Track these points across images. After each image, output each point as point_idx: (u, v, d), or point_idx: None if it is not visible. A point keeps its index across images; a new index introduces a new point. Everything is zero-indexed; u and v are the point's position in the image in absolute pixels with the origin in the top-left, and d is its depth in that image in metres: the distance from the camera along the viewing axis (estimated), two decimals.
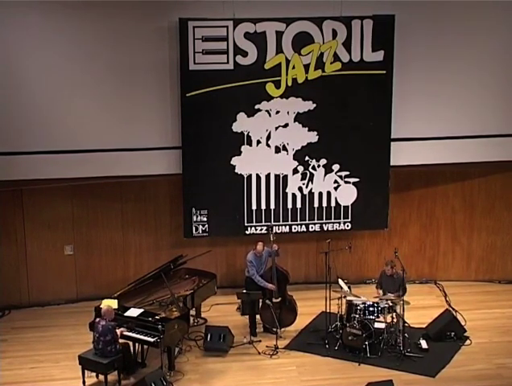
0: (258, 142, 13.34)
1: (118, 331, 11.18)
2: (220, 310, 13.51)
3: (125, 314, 11.58)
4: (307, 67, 13.05)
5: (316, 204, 13.69)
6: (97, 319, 11.19)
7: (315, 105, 13.22)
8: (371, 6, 12.87)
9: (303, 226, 13.73)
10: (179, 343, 11.93)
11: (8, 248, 13.60)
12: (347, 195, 13.69)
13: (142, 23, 12.62)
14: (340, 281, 12.54)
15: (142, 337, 11.35)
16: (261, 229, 13.60)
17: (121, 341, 11.26)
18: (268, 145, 13.37)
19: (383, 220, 13.91)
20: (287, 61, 12.99)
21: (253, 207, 13.56)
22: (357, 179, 13.63)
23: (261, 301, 12.61)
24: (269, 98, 13.13)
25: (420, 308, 13.17)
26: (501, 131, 13.71)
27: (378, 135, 13.45)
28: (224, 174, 13.34)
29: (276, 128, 13.31)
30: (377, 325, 12.07)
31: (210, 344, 12.20)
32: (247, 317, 12.77)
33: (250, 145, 13.33)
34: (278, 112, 13.23)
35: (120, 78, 12.83)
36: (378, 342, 12.00)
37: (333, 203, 13.70)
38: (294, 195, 13.61)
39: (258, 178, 13.47)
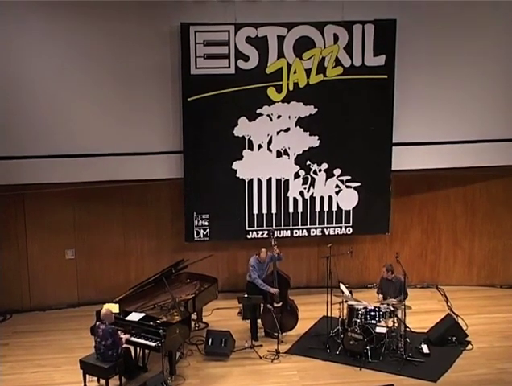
0: (260, 147, 13.35)
1: (124, 338, 11.17)
2: (222, 314, 13.51)
3: (127, 319, 11.56)
4: (308, 71, 13.07)
5: (318, 209, 13.70)
6: (97, 323, 11.19)
7: (316, 110, 13.24)
8: (372, 11, 12.89)
9: (305, 230, 13.75)
10: (180, 348, 11.93)
11: (9, 252, 13.61)
12: (348, 199, 13.70)
13: (144, 28, 12.64)
14: (342, 286, 12.55)
15: (143, 341, 11.33)
16: (262, 233, 13.62)
17: (123, 346, 11.24)
18: (269, 150, 13.39)
19: (384, 225, 13.92)
20: (289, 66, 13.00)
21: (255, 211, 13.57)
22: (358, 184, 13.64)
23: (262, 305, 12.61)
24: (270, 102, 13.15)
25: (422, 313, 13.13)
26: (503, 136, 13.71)
27: (380, 139, 13.46)
28: (225, 178, 13.35)
29: (277, 132, 13.32)
30: (378, 329, 12.04)
31: (211, 348, 12.18)
32: (248, 321, 12.79)
33: (252, 149, 13.35)
34: (279, 116, 13.24)
35: (121, 82, 12.85)
36: (380, 346, 11.98)
37: (334, 208, 13.71)
38: (295, 200, 13.62)
39: (260, 182, 13.48)
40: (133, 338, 11.38)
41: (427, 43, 13.13)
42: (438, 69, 13.25)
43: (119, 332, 11.18)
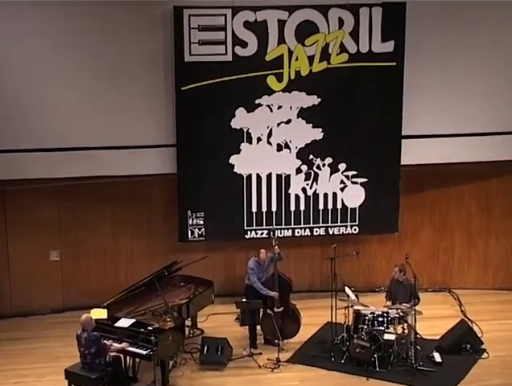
0: (259, 140, 13.38)
1: (119, 346, 11.20)
2: (218, 320, 13.52)
3: (116, 325, 11.58)
4: (311, 58, 13.11)
5: (321, 206, 13.74)
6: (79, 332, 11.13)
7: (319, 100, 13.27)
8: None
9: (307, 230, 13.80)
10: (173, 356, 11.94)
11: None
12: (354, 196, 13.75)
13: (134, 11, 12.65)
14: (347, 289, 12.55)
15: (133, 349, 11.33)
16: (262, 233, 13.68)
17: (112, 354, 11.23)
18: (269, 143, 13.42)
19: (393, 224, 13.97)
20: (290, 52, 13.03)
21: (254, 209, 13.61)
22: (364, 179, 13.69)
23: (262, 310, 12.61)
24: (270, 92, 13.17)
25: (433, 318, 13.16)
26: None
27: (388, 132, 13.51)
28: (222, 173, 13.39)
29: (278, 124, 13.36)
30: (386, 336, 12.04)
31: (207, 357, 12.18)
32: (247, 327, 12.79)
33: (250, 142, 13.37)
34: (280, 107, 13.27)
35: (110, 71, 12.88)
36: (388, 354, 11.98)
37: (339, 205, 13.76)
38: (297, 197, 13.66)
39: (259, 178, 13.52)
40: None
41: (438, 27, 13.14)
42: (451, 56, 13.27)
43: (109, 342, 11.22)
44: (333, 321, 12.48)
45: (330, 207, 13.76)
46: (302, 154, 13.51)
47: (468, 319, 13.15)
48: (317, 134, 13.43)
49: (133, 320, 11.70)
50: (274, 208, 13.67)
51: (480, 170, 14.10)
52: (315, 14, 12.93)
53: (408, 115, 13.43)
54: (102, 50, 12.75)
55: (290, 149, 13.48)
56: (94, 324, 11.12)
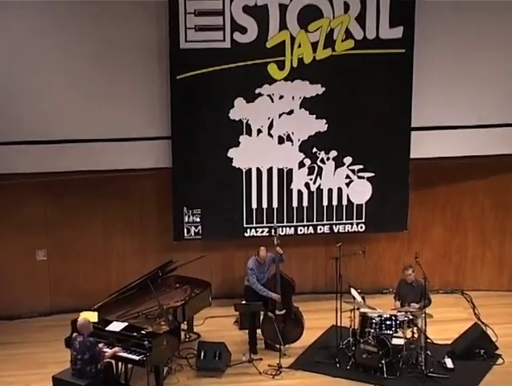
0: (259, 132, 13.37)
1: (111, 351, 11.13)
2: (216, 323, 13.53)
3: (107, 329, 11.53)
4: (314, 45, 13.07)
5: (326, 202, 13.73)
6: (74, 335, 11.11)
7: (324, 89, 13.24)
8: None
9: (311, 227, 13.77)
10: (168, 362, 11.94)
11: None
12: (360, 191, 13.74)
13: None
14: (353, 291, 12.50)
15: (125, 355, 11.27)
16: (262, 231, 13.68)
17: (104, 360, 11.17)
18: (270, 135, 13.39)
19: (402, 221, 13.96)
20: (292, 39, 13.00)
21: (254, 205, 13.62)
22: (371, 174, 13.67)
23: (262, 313, 12.59)
24: (271, 81, 13.15)
25: (445, 321, 13.14)
26: None
27: (396, 123, 13.48)
28: (220, 168, 13.37)
29: (279, 115, 13.34)
30: (395, 341, 12.03)
31: (204, 363, 12.15)
32: (246, 331, 12.79)
33: (250, 134, 13.35)
34: (281, 97, 13.24)
35: (101, 58, 12.86)
36: (397, 360, 11.93)
37: (345, 202, 13.76)
38: (300, 192, 13.65)
39: (259, 172, 13.51)
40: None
41: (451, 12, 13.12)
42: (463, 42, 13.27)
43: (101, 345, 11.12)
44: (338, 324, 12.47)
45: (335, 203, 13.75)
46: (305, 147, 13.48)
47: (482, 323, 13.13)
48: (321, 126, 13.40)
49: (125, 324, 11.66)
50: (275, 205, 13.66)
51: (495, 164, 14.10)
52: None
53: (418, 105, 13.41)
54: (93, 37, 12.76)
55: (292, 141, 13.45)
56: (92, 329, 11.08)
